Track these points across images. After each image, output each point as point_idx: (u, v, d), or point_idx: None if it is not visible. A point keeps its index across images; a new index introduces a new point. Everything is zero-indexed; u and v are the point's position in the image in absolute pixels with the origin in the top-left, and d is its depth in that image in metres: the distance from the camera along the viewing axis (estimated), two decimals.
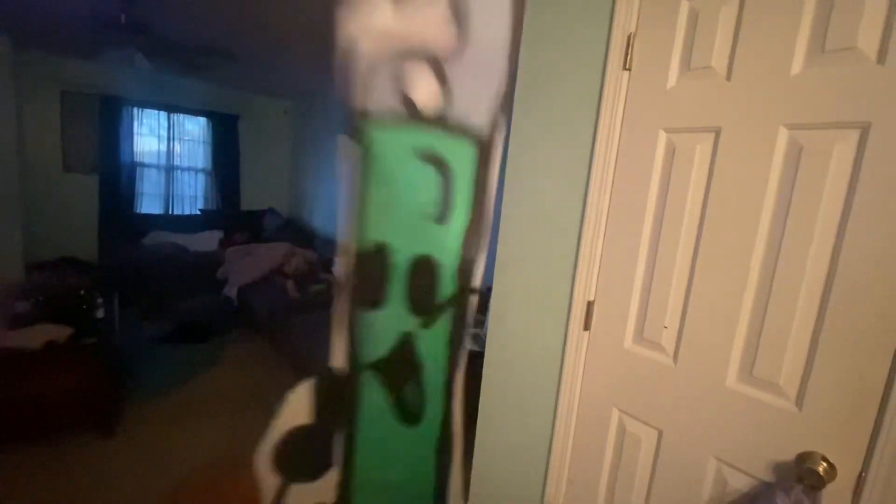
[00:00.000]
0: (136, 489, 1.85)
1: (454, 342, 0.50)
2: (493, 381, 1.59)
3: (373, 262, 0.51)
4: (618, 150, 1.14)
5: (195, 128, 5.39)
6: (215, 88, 5.27)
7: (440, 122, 0.45)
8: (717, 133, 0.97)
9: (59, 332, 2.03)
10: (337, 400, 0.55)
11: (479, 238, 0.49)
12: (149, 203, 5.17)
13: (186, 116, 5.27)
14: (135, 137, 4.92)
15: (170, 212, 5.32)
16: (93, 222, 4.82)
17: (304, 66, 4.14)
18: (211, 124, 5.39)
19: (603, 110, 1.14)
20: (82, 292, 2.25)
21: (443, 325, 0.51)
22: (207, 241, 4.84)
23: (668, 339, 1.06)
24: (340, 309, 0.56)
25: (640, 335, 1.12)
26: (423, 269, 0.49)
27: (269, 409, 2.51)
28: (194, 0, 2.66)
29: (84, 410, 2.02)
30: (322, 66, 4.26)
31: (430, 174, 0.49)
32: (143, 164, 5.05)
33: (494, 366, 1.58)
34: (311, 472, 0.55)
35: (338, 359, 0.56)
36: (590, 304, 1.21)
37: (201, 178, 5.51)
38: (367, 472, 0.56)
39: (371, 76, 0.45)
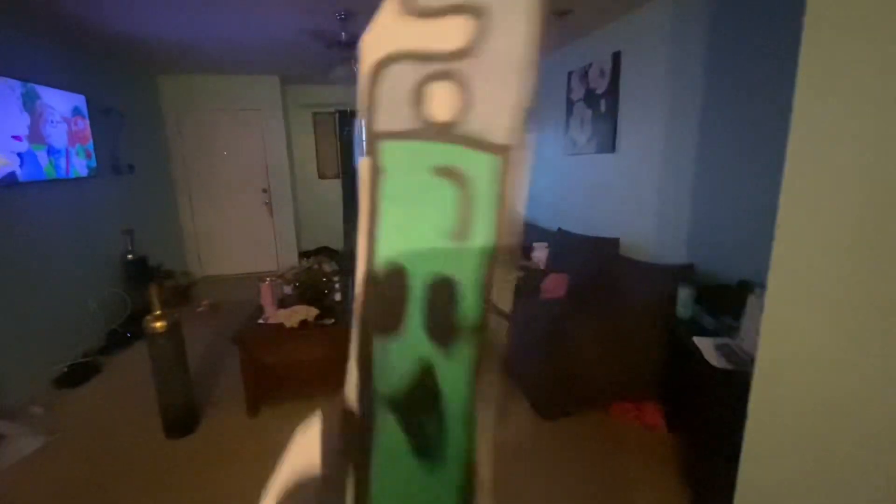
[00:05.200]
0: None
1: (479, 371, 0.43)
2: (770, 435, 1.10)
3: (387, 285, 0.47)
4: None
5: None
6: None
7: (457, 136, 0.41)
8: None
9: (309, 313, 2.42)
10: (348, 440, 0.51)
11: (503, 255, 0.40)
12: None
13: None
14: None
15: None
16: (339, 218, 5.90)
17: None
18: None
19: None
20: (324, 279, 2.65)
21: (465, 351, 0.43)
22: None
23: None
24: (353, 338, 0.52)
25: None
26: (442, 290, 0.44)
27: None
28: None
29: (325, 376, 2.38)
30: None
31: (446, 190, 0.45)
32: None
33: (771, 409, 1.08)
34: None
35: (350, 393, 0.52)
36: None
37: None
38: None
39: (388, 93, 0.45)
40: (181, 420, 2.23)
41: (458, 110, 0.42)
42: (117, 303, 3.53)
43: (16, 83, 2.66)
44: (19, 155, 2.69)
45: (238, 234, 5.36)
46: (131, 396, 2.63)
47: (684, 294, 2.02)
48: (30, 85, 2.77)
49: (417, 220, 0.47)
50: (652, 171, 2.94)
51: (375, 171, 0.51)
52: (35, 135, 2.83)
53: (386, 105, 0.48)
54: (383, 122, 0.49)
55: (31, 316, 2.80)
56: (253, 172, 5.23)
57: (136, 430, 2.31)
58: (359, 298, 0.52)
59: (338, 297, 2.73)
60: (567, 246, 3.58)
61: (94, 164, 3.45)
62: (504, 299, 0.44)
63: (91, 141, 3.42)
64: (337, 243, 5.79)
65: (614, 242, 3.17)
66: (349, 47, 2.95)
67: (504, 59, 0.39)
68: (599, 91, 3.40)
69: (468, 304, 0.45)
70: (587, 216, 3.69)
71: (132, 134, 4.18)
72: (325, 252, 5.50)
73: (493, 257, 0.44)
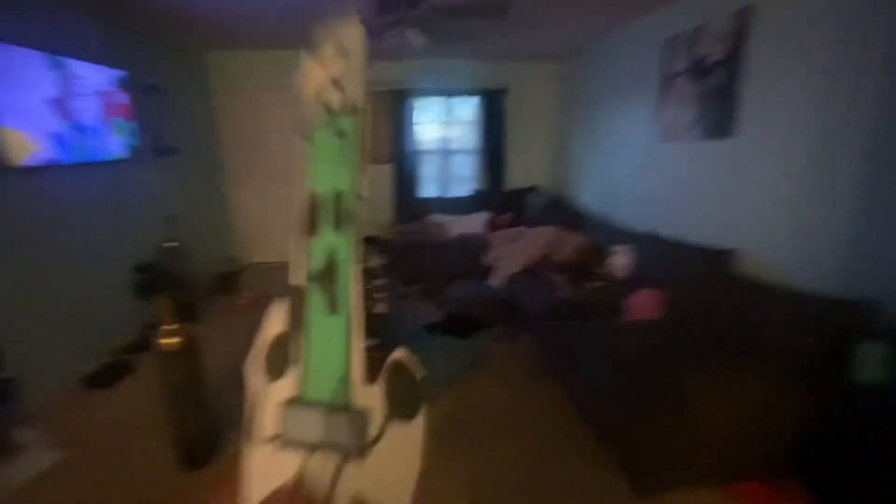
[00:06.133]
0: None
1: (355, 242, 0.70)
2: None
3: (312, 207, 0.73)
4: None
5: (467, 109, 5.44)
6: (483, 64, 5.11)
7: (343, 111, 0.74)
8: None
9: None
10: (299, 308, 0.71)
11: (362, 175, 0.71)
12: (429, 186, 5.57)
13: (459, 99, 5.35)
14: (418, 125, 5.29)
15: (445, 194, 5.61)
16: (389, 206, 5.51)
17: (578, 21, 3.37)
18: (482, 103, 5.30)
19: None
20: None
21: (348, 231, 0.70)
22: (476, 223, 4.79)
23: None
24: (292, 241, 0.73)
25: None
26: (339, 199, 0.71)
27: (528, 427, 1.99)
28: None
29: None
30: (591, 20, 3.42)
31: (337, 142, 0.75)
32: (423, 151, 5.41)
33: None
34: (283, 369, 0.66)
35: (296, 277, 0.72)
36: None
37: (471, 158, 5.57)
38: (317, 362, 0.69)
39: (311, 99, 0.75)
40: (197, 450, 1.92)
41: (342, 100, 0.70)
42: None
43: (41, 55, 2.41)
44: (50, 136, 2.47)
45: (285, 220, 5.11)
46: (155, 408, 2.38)
47: (873, 351, 1.38)
48: (58, 58, 2.53)
49: (325, 163, 0.74)
50: (789, 162, 2.23)
51: (305, 143, 0.77)
52: (64, 113, 2.60)
53: (311, 104, 0.75)
54: (308, 115, 0.75)
55: (65, 308, 2.62)
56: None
57: (155, 452, 2.03)
58: (296, 219, 0.72)
59: (381, 307, 2.30)
60: (657, 253, 2.94)
61: (135, 142, 3.23)
62: (364, 190, 0.70)
63: (131, 120, 3.19)
64: (387, 233, 5.41)
65: (727, 255, 2.49)
66: (408, 6, 2.45)
67: (355, 71, 0.69)
68: (713, 60, 2.68)
69: (348, 201, 0.70)
70: (687, 218, 3.00)
71: (177, 114, 3.96)
72: (372, 242, 5.14)
73: (359, 170, 0.71)
